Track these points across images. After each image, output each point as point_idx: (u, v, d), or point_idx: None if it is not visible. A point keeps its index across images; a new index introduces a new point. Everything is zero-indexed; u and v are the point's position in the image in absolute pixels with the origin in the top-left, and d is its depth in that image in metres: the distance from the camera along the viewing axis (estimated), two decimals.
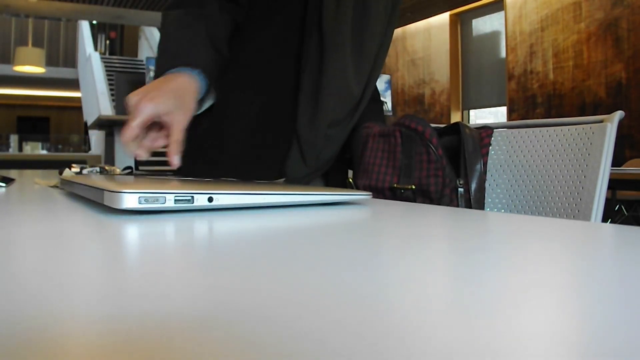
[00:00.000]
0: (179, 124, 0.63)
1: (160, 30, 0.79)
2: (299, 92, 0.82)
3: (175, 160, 0.62)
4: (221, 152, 0.87)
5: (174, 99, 0.64)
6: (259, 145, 0.85)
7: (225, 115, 0.86)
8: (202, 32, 0.76)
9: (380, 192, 0.81)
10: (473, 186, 0.78)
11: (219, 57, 0.79)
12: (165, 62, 0.71)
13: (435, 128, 0.86)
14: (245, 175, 0.84)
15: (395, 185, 0.79)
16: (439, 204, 0.76)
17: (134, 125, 0.60)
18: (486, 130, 0.82)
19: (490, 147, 0.82)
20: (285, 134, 0.84)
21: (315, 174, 0.93)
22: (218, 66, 0.78)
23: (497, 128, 1.01)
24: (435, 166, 0.77)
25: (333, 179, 0.97)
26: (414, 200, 0.78)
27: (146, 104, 0.61)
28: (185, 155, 0.95)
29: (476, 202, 0.78)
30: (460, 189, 0.77)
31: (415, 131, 0.79)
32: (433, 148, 0.78)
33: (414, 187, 0.78)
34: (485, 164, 0.80)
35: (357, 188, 0.84)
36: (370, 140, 0.86)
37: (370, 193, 0.55)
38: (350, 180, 0.88)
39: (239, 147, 0.86)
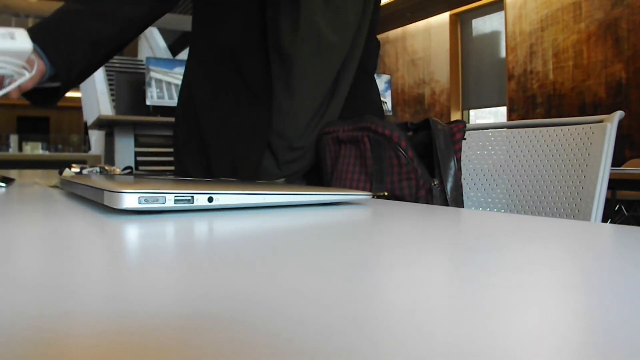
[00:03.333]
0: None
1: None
2: (271, 67, 0.82)
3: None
4: (203, 153, 0.87)
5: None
6: (234, 146, 0.86)
7: (202, 106, 0.87)
8: (83, 25, 0.78)
9: None
10: (449, 185, 0.76)
11: (91, 53, 0.80)
12: (32, 33, 0.73)
13: (408, 123, 0.84)
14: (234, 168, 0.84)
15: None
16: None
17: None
18: (457, 125, 0.79)
19: (464, 143, 0.80)
20: (260, 132, 0.84)
21: (293, 175, 0.93)
22: (85, 60, 0.80)
23: (497, 128, 1.01)
24: (406, 169, 0.75)
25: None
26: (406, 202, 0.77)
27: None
28: (179, 157, 0.95)
29: (453, 201, 0.76)
30: (435, 190, 0.75)
31: (383, 135, 0.77)
32: (402, 151, 0.76)
33: (386, 193, 0.76)
34: (459, 160, 0.77)
35: None
36: (342, 147, 0.84)
37: (371, 193, 0.55)
38: None
39: (220, 135, 0.86)
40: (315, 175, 0.96)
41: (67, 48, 0.76)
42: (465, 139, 0.80)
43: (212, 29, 0.86)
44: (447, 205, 0.75)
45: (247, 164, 0.84)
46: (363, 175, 0.80)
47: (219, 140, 0.86)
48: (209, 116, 0.86)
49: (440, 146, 0.76)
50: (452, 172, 0.76)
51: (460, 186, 0.77)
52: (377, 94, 1.03)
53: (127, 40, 0.85)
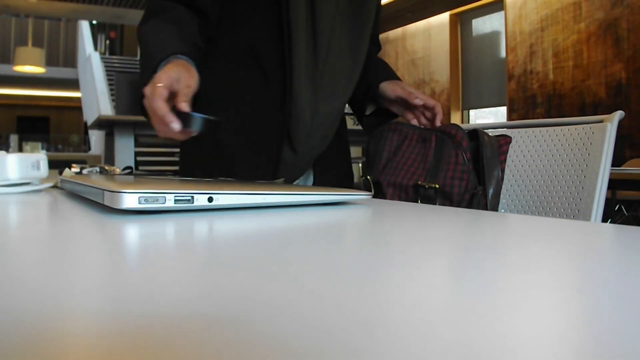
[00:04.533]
0: (187, 80, 0.69)
1: (139, 44, 0.82)
2: (292, 60, 0.83)
3: (184, 107, 0.66)
4: (216, 149, 0.87)
5: (179, 69, 0.70)
6: (252, 142, 0.86)
7: (221, 102, 0.87)
8: (176, 31, 0.79)
9: (404, 190, 0.82)
10: (490, 192, 0.80)
11: (196, 49, 0.81)
12: (152, 63, 0.73)
13: None
14: (241, 175, 0.84)
15: (419, 182, 0.80)
16: (458, 207, 0.77)
17: (160, 85, 0.66)
18: (505, 139, 0.84)
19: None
20: (276, 124, 0.85)
21: (307, 164, 0.94)
22: (198, 56, 0.81)
23: (497, 128, 1.01)
24: (461, 169, 0.79)
25: (326, 179, 0.97)
26: (434, 201, 0.79)
27: (159, 77, 0.67)
28: (184, 157, 0.95)
29: (492, 207, 0.80)
30: (479, 194, 0.78)
31: (449, 134, 0.81)
32: (462, 151, 0.80)
33: (437, 186, 0.79)
34: (503, 171, 0.81)
35: (378, 184, 0.85)
36: (406, 142, 0.87)
37: (371, 193, 0.55)
38: (368, 177, 0.88)
39: (231, 143, 0.86)
40: (331, 161, 0.97)
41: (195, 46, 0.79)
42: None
43: (233, 27, 0.87)
44: (486, 210, 0.78)
45: (266, 159, 0.86)
46: (420, 170, 0.83)
47: (239, 138, 0.86)
48: (226, 114, 0.87)
49: (487, 155, 0.81)
50: (495, 180, 0.80)
51: (499, 195, 0.82)
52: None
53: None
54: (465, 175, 0.78)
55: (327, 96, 0.88)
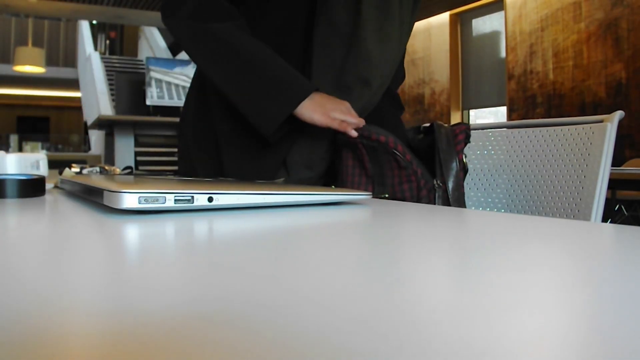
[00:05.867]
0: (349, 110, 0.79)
1: (223, 42, 0.80)
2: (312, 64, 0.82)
3: (353, 133, 0.77)
4: (221, 150, 0.87)
5: (334, 102, 0.78)
6: (258, 146, 0.85)
7: (221, 115, 0.87)
8: (275, 55, 0.80)
9: None
10: (450, 185, 0.77)
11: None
12: (295, 94, 0.77)
13: (419, 128, 0.85)
14: (247, 176, 0.84)
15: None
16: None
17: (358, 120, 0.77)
18: (459, 127, 0.80)
19: (465, 144, 0.80)
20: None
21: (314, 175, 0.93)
22: None
23: (497, 128, 1.01)
24: (406, 172, 0.77)
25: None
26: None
27: (345, 108, 0.78)
28: (183, 156, 0.95)
29: (455, 201, 0.77)
30: (438, 190, 0.76)
31: (378, 142, 0.77)
32: (400, 155, 0.77)
33: (387, 195, 0.77)
34: (461, 162, 0.78)
35: None
36: (343, 150, 0.84)
37: (370, 193, 0.55)
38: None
39: (238, 145, 0.86)
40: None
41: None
42: (469, 142, 0.81)
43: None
44: (449, 205, 0.76)
45: (269, 165, 0.85)
46: (364, 178, 0.80)
47: (236, 142, 0.86)
48: (226, 119, 0.86)
49: (442, 147, 0.78)
50: (454, 172, 0.77)
51: (462, 186, 0.78)
52: (398, 98, 1.03)
53: None
54: (412, 177, 0.76)
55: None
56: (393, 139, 0.77)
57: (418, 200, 0.76)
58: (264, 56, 0.78)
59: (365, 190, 0.79)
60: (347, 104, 0.78)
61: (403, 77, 1.04)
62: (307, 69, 0.83)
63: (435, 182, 0.76)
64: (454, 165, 0.78)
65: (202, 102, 0.91)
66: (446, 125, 0.82)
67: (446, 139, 0.79)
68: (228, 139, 0.86)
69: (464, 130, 0.80)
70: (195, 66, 0.94)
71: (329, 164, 0.90)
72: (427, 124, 0.84)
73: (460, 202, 0.77)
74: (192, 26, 0.80)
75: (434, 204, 0.76)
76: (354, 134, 0.75)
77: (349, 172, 0.82)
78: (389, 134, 0.78)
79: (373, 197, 0.76)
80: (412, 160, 0.77)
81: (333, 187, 0.85)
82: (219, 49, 0.79)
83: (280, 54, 0.80)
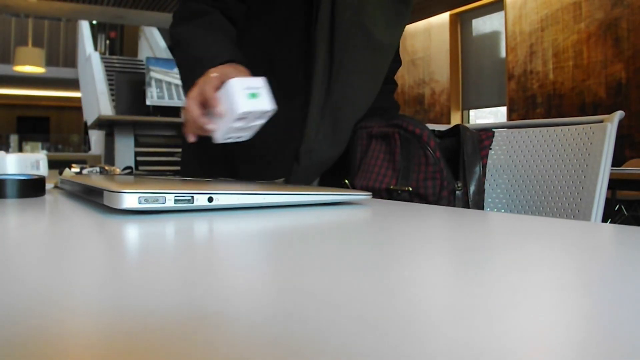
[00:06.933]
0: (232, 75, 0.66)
1: (175, 46, 0.80)
2: (312, 78, 0.81)
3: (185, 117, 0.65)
4: (226, 151, 0.87)
5: (235, 69, 0.68)
6: (266, 146, 0.85)
7: None
8: (224, 37, 0.78)
9: (377, 193, 0.81)
10: (472, 189, 0.77)
11: (244, 60, 0.80)
12: (202, 67, 0.71)
13: (435, 131, 0.85)
14: (251, 177, 0.84)
15: (392, 187, 0.78)
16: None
17: (214, 75, 0.64)
18: (486, 132, 0.81)
19: (490, 149, 0.82)
20: (291, 135, 0.84)
21: (313, 175, 0.93)
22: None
23: (497, 128, 1.01)
24: (433, 169, 0.77)
25: (327, 179, 0.96)
26: (410, 202, 0.78)
27: (213, 71, 0.65)
28: (187, 156, 0.95)
29: (475, 204, 0.78)
30: (459, 192, 0.77)
31: (413, 134, 0.79)
32: (431, 151, 0.77)
33: (410, 189, 0.77)
34: (484, 167, 0.79)
35: (354, 188, 0.84)
36: (373, 141, 0.85)
37: (370, 193, 0.55)
38: (346, 181, 0.87)
39: (245, 147, 0.85)
40: (337, 166, 0.96)
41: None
42: (491, 149, 0.82)
43: (247, 31, 0.85)
44: (468, 207, 0.77)
45: (278, 172, 0.85)
46: (390, 171, 0.81)
47: (246, 144, 0.85)
48: None
49: (467, 151, 0.78)
50: (476, 176, 0.78)
51: (483, 191, 0.79)
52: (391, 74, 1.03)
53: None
54: (437, 175, 0.76)
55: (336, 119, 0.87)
56: (427, 133, 0.78)
57: (439, 199, 0.77)
58: (193, 39, 0.77)
59: (389, 182, 0.80)
60: (221, 79, 0.66)
61: (399, 63, 1.05)
62: (309, 68, 0.83)
63: (456, 184, 0.77)
64: (477, 170, 0.78)
65: None
66: (472, 129, 0.82)
67: (471, 142, 0.79)
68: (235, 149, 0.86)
69: (490, 137, 0.81)
70: None
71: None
72: (445, 127, 0.85)
73: (479, 206, 0.79)
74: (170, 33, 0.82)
75: (454, 206, 0.76)
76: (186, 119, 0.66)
77: (377, 164, 0.83)
78: (425, 127, 0.79)
79: (393, 188, 0.77)
80: (441, 159, 0.78)
81: (346, 180, 0.85)
82: (176, 48, 0.80)
83: (281, 53, 0.80)
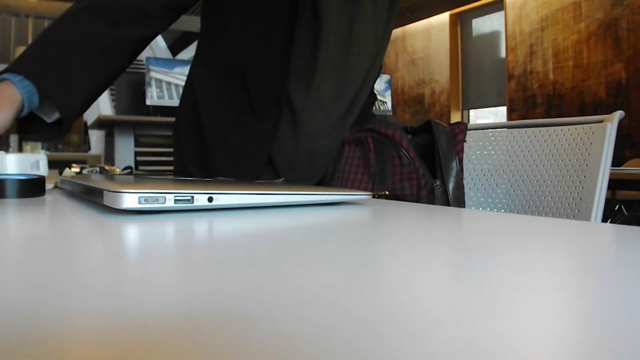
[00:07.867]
0: None
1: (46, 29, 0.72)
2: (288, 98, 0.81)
3: None
4: (207, 152, 0.86)
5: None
6: (238, 150, 0.84)
7: (205, 114, 0.86)
8: (58, 42, 0.70)
9: None
10: (450, 185, 0.76)
11: (96, 87, 0.73)
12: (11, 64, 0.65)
13: (407, 127, 0.84)
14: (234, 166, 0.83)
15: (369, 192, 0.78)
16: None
17: None
18: (459, 126, 0.80)
19: (465, 142, 0.80)
20: (263, 141, 0.83)
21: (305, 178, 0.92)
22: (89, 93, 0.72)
23: (497, 128, 1.01)
24: (408, 169, 0.76)
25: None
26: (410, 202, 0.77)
27: None
28: (177, 154, 0.94)
29: (455, 201, 0.76)
30: (437, 190, 0.76)
31: (386, 136, 0.77)
32: (404, 151, 0.76)
33: (387, 192, 0.77)
34: (461, 161, 0.78)
35: None
36: (346, 147, 0.84)
37: (371, 193, 0.55)
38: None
39: (221, 147, 0.84)
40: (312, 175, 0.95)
41: (68, 86, 0.68)
42: (465, 141, 0.81)
43: (223, 43, 0.84)
44: (448, 205, 0.75)
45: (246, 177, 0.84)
46: (366, 176, 0.80)
47: (220, 147, 0.85)
48: (211, 123, 0.86)
49: (442, 147, 0.77)
50: (454, 172, 0.77)
51: (462, 186, 0.78)
52: (372, 99, 1.02)
53: (129, 63, 0.79)
54: (413, 175, 0.75)
55: (311, 129, 0.84)
56: (399, 134, 0.77)
57: (418, 199, 0.76)
58: (50, 29, 0.71)
59: (365, 187, 0.79)
60: None
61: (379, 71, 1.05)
62: (284, 80, 0.81)
63: (435, 182, 0.76)
64: (454, 165, 0.77)
65: (193, 101, 0.90)
66: (444, 124, 0.81)
67: (445, 137, 0.78)
68: (214, 140, 0.85)
69: (463, 130, 0.79)
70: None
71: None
72: (416, 124, 0.84)
73: (460, 202, 0.77)
74: None
75: (433, 204, 0.76)
76: None
77: (352, 170, 0.82)
78: (396, 128, 0.78)
79: (372, 195, 0.76)
80: (415, 159, 0.76)
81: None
82: None
83: (264, 59, 0.79)
